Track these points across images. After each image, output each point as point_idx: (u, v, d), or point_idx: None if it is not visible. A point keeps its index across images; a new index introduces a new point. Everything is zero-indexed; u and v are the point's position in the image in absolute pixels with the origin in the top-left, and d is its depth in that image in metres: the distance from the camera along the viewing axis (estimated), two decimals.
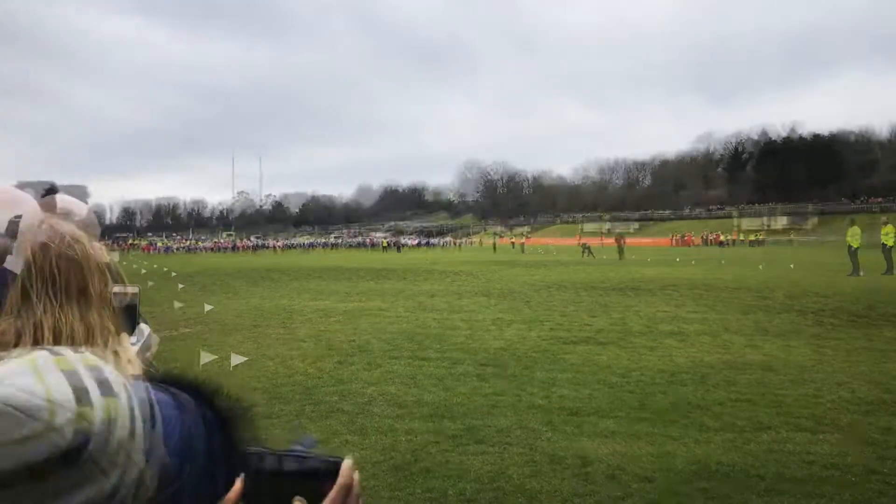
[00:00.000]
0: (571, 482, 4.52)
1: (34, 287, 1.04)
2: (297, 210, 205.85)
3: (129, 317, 1.42)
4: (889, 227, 23.30)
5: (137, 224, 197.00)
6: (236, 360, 8.22)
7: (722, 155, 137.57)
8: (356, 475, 0.90)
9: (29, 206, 1.14)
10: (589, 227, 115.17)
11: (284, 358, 8.84)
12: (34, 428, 0.62)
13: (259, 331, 11.40)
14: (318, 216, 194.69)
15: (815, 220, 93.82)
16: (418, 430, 5.65)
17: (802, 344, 9.47)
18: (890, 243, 22.91)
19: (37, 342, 1.01)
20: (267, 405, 6.43)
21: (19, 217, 1.21)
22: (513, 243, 65.47)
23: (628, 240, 54.50)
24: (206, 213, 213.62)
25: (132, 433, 0.73)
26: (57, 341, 1.02)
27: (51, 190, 2.18)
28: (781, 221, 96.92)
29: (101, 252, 1.19)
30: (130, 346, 1.37)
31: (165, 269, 32.64)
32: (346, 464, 0.88)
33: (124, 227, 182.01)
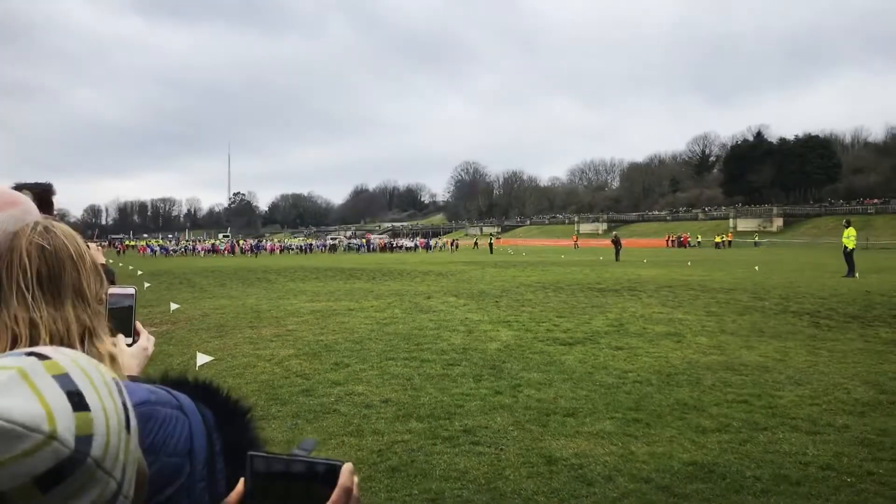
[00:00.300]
0: (568, 483, 4.52)
1: (29, 287, 1.03)
2: (267, 208, 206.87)
3: (126, 318, 1.41)
4: (851, 230, 23.35)
5: (129, 223, 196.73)
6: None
7: (689, 158, 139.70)
8: (356, 478, 0.90)
9: (26, 207, 1.14)
10: (584, 228, 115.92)
11: (281, 359, 8.84)
12: (36, 440, 0.62)
13: (254, 331, 11.42)
14: (293, 217, 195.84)
15: (780, 221, 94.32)
16: (414, 431, 5.65)
17: (798, 345, 9.49)
18: (851, 246, 22.96)
19: (33, 342, 1.00)
20: (264, 407, 6.43)
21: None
22: (490, 244, 65.72)
23: (595, 241, 54.59)
24: (202, 214, 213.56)
25: (128, 428, 0.73)
26: (52, 342, 1.02)
27: (46, 191, 2.18)
28: (748, 223, 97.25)
29: (96, 253, 1.18)
30: (126, 347, 1.37)
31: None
32: (347, 467, 0.89)
33: (120, 228, 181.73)
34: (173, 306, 14.30)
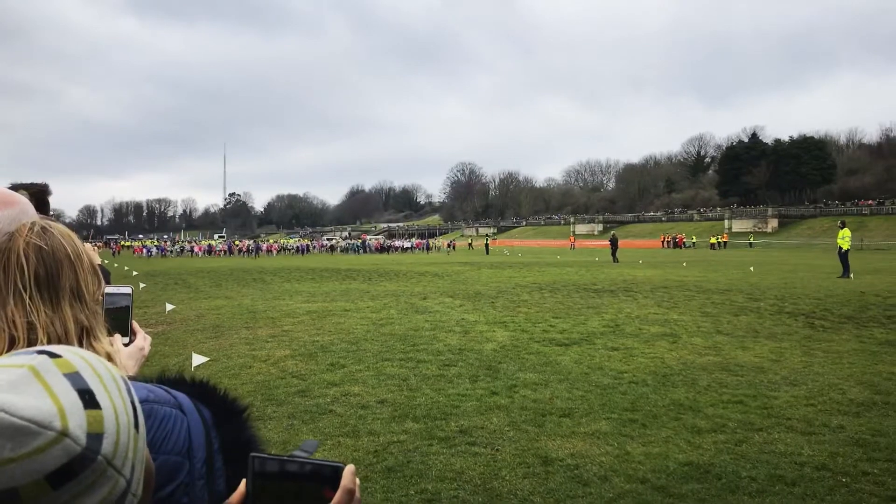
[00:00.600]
0: (564, 483, 4.52)
1: (26, 287, 1.03)
2: (263, 209, 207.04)
3: (122, 318, 1.41)
4: (845, 231, 23.40)
5: (122, 223, 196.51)
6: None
7: (684, 159, 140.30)
8: (358, 480, 0.91)
9: (23, 207, 1.13)
10: (581, 228, 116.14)
11: (277, 359, 8.83)
12: (48, 437, 0.62)
13: (250, 332, 11.40)
14: (289, 218, 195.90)
15: (774, 222, 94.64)
16: (410, 431, 5.65)
17: (793, 346, 9.52)
18: (846, 247, 23.02)
19: (31, 343, 1.00)
20: (260, 408, 6.42)
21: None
22: (486, 245, 65.78)
23: (590, 242, 54.67)
24: (198, 214, 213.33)
25: (136, 425, 0.74)
26: (49, 342, 1.02)
27: (42, 191, 2.17)
28: (743, 224, 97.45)
29: (92, 253, 1.18)
30: (123, 346, 1.37)
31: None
32: (349, 469, 0.89)
33: (116, 229, 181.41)
34: (169, 307, 14.28)
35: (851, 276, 21.75)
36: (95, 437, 0.66)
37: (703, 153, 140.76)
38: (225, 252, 64.87)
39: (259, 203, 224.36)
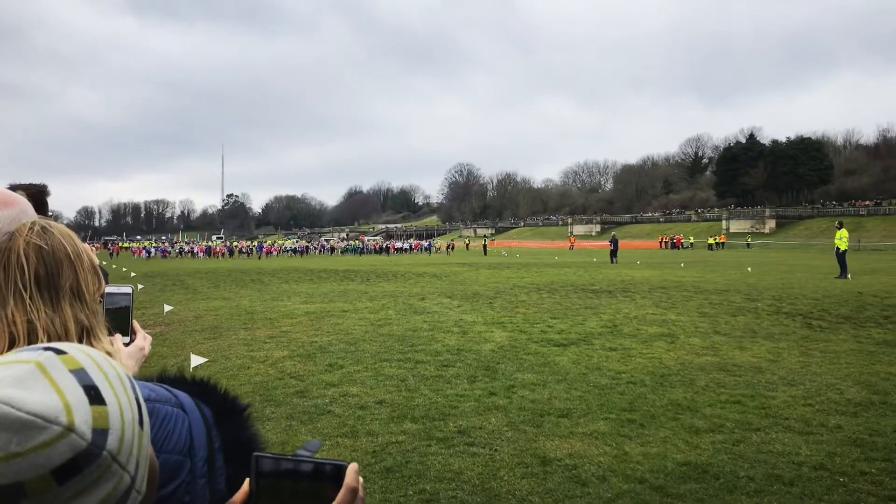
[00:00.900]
0: (562, 483, 4.53)
1: (27, 287, 1.03)
2: (261, 210, 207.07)
3: (122, 317, 1.42)
4: (843, 232, 23.44)
5: (119, 224, 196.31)
6: None
7: (682, 159, 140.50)
8: (361, 479, 0.91)
9: (22, 207, 1.14)
10: (579, 229, 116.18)
11: (276, 360, 8.82)
12: (54, 432, 0.63)
13: (247, 333, 11.40)
14: (287, 219, 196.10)
15: (772, 223, 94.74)
16: (409, 432, 5.66)
17: (791, 346, 9.54)
18: (843, 247, 23.06)
19: (31, 342, 1.00)
20: (258, 409, 6.42)
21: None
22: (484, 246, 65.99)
23: (590, 243, 54.63)
24: (195, 215, 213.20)
25: (141, 422, 0.74)
26: (49, 341, 1.02)
27: (41, 192, 2.17)
28: (740, 225, 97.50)
29: (92, 253, 1.19)
30: (123, 346, 1.37)
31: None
32: (352, 467, 0.90)
33: (114, 230, 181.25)
34: (167, 308, 14.27)
35: (849, 276, 21.78)
36: (100, 432, 0.66)
37: (700, 154, 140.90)
38: (224, 254, 63.91)
39: (257, 204, 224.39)
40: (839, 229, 23.74)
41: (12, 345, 1.00)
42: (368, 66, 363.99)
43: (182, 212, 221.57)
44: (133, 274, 29.01)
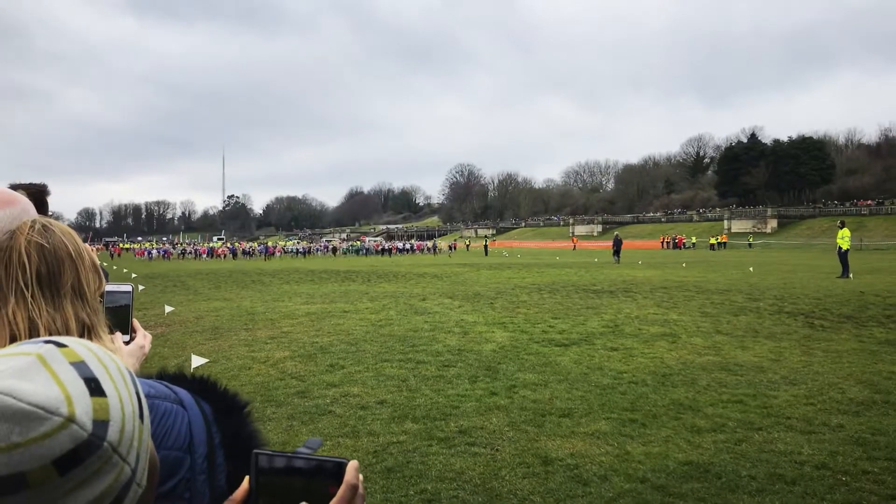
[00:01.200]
0: (564, 483, 4.53)
1: (28, 285, 1.03)
2: (262, 211, 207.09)
3: (123, 316, 1.42)
4: (845, 231, 23.41)
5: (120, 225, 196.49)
6: None
7: (683, 159, 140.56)
8: (361, 476, 0.91)
9: (24, 206, 1.14)
10: (580, 229, 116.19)
11: (277, 360, 8.83)
12: (55, 423, 0.63)
13: (247, 334, 11.40)
14: (288, 220, 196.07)
15: (774, 223, 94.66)
16: (410, 432, 5.65)
17: (793, 345, 9.53)
18: (845, 246, 23.03)
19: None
20: (259, 409, 6.42)
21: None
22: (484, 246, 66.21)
23: (592, 243, 54.57)
24: (196, 216, 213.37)
25: (142, 416, 0.74)
26: None
27: (41, 191, 2.17)
28: (742, 224, 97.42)
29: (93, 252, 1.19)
30: (123, 345, 1.37)
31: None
32: (352, 465, 0.90)
33: (114, 231, 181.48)
34: (168, 309, 14.28)
35: (851, 275, 21.76)
36: (101, 423, 0.66)
37: (702, 154, 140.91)
38: (226, 255, 62.95)
39: (258, 205, 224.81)
40: (841, 229, 23.72)
41: (13, 343, 1.00)
42: (369, 66, 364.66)
43: (183, 213, 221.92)
44: (134, 275, 29.05)
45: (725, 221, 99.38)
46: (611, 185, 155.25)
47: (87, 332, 1.08)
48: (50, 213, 2.37)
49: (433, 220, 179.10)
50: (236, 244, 78.80)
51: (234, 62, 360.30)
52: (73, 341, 0.73)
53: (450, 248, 75.99)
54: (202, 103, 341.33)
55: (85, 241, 1.18)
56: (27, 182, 2.17)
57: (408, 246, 76.06)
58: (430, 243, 79.72)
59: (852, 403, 6.42)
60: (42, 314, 1.03)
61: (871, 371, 7.81)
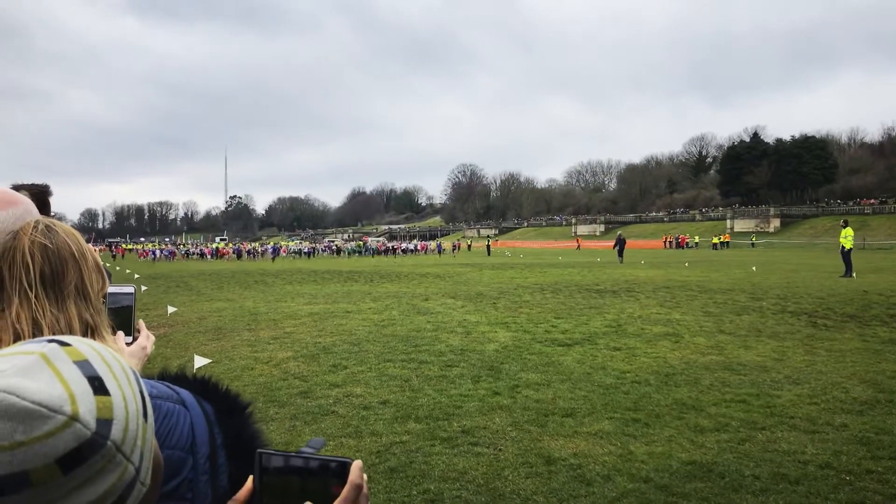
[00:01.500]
0: (567, 483, 4.52)
1: (32, 286, 1.04)
2: (264, 212, 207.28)
3: (125, 316, 1.42)
4: (848, 230, 23.36)
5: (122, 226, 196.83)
6: None
7: (686, 159, 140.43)
8: (365, 476, 0.91)
9: (26, 207, 1.14)
10: (583, 229, 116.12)
11: (279, 361, 8.83)
12: (59, 421, 0.63)
13: (252, 334, 11.41)
14: (290, 220, 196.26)
15: (776, 222, 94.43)
16: (413, 432, 5.65)
17: (796, 345, 9.51)
18: (848, 246, 22.98)
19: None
20: (262, 410, 6.43)
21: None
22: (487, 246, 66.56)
23: (595, 243, 54.52)
24: (199, 217, 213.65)
25: (145, 415, 0.74)
26: None
27: (43, 192, 2.18)
28: (745, 224, 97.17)
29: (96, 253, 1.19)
30: (126, 345, 1.37)
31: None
32: (356, 464, 0.90)
33: (117, 232, 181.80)
34: (170, 309, 14.30)
35: (854, 275, 21.71)
36: (105, 422, 0.66)
37: (704, 153, 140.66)
38: (230, 255, 62.61)
39: (260, 205, 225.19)
40: (844, 228, 23.66)
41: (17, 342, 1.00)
42: (370, 66, 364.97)
43: (186, 213, 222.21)
44: (136, 276, 29.09)
45: (728, 221, 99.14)
46: (613, 185, 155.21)
47: (90, 332, 1.08)
48: (52, 214, 2.37)
49: (436, 220, 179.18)
50: (240, 244, 78.59)
51: (234, 62, 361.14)
52: (76, 340, 0.73)
53: (454, 247, 75.88)
54: (203, 103, 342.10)
55: (88, 241, 1.19)
56: (29, 182, 2.18)
57: (412, 246, 76.02)
58: (433, 244, 79.67)
59: (856, 403, 6.40)
60: (46, 314, 1.04)
61: (874, 370, 7.79)
